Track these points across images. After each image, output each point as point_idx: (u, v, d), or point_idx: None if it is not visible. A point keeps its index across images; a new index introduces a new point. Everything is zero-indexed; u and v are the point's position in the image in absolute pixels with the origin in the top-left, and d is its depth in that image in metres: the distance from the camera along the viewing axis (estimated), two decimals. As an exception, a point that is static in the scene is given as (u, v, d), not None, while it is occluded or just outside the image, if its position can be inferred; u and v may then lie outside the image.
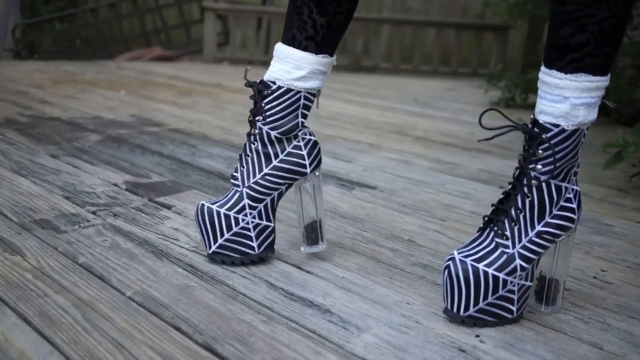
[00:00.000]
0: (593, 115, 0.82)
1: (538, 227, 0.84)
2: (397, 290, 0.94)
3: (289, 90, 0.94)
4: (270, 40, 5.34)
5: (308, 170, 0.98)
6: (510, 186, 0.86)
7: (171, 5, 6.25)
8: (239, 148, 1.82)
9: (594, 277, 1.04)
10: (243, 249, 0.97)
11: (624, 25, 0.79)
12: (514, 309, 0.84)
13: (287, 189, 0.98)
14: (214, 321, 0.81)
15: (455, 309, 0.83)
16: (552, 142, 0.81)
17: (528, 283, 0.84)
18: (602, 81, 0.80)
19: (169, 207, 1.25)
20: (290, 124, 0.96)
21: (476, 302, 0.82)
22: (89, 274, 0.93)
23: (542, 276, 0.89)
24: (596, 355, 0.79)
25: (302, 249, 1.01)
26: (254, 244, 0.97)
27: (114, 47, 5.71)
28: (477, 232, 0.87)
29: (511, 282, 0.82)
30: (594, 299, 0.95)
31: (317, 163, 0.99)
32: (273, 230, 0.98)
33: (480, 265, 0.82)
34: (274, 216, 0.98)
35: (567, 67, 0.79)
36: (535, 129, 0.82)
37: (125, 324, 0.79)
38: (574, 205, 0.86)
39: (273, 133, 0.95)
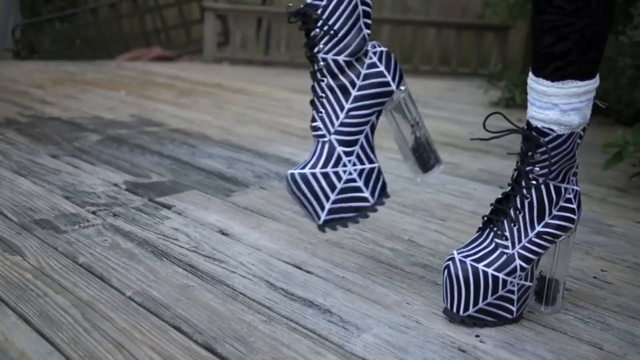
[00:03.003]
0: (586, 117, 0.82)
1: (538, 228, 0.84)
2: (397, 290, 0.94)
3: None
4: (270, 41, 5.34)
5: (394, 87, 0.86)
6: (509, 187, 0.86)
7: (171, 5, 6.25)
8: (239, 148, 1.82)
9: (594, 277, 1.04)
10: (356, 204, 0.85)
11: (607, 30, 0.79)
12: (514, 309, 0.84)
13: (377, 117, 0.87)
14: (214, 321, 0.81)
15: (455, 309, 0.83)
16: (549, 146, 0.81)
17: (528, 283, 0.84)
18: (591, 84, 0.80)
19: (169, 207, 1.25)
20: (357, 40, 0.83)
21: (476, 302, 0.82)
22: (89, 274, 0.93)
23: (542, 276, 0.89)
24: (596, 355, 0.79)
25: (418, 179, 0.90)
26: (366, 194, 0.85)
27: (114, 47, 5.72)
28: (477, 232, 0.87)
29: (511, 282, 0.82)
30: (594, 299, 0.95)
31: (400, 76, 0.87)
32: (380, 171, 0.87)
33: (480, 266, 0.82)
34: (374, 154, 0.86)
35: (553, 75, 0.79)
36: (534, 133, 0.82)
37: (125, 324, 0.79)
38: (574, 206, 0.86)
39: (340, 58, 0.83)
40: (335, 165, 0.83)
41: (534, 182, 0.83)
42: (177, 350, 0.74)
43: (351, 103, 0.83)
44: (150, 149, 1.75)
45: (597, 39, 0.78)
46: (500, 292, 0.82)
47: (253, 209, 1.27)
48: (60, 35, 6.39)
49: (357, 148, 0.84)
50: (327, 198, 0.83)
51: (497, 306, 0.83)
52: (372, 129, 0.86)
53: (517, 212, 0.84)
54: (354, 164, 0.83)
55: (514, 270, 0.82)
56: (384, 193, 0.86)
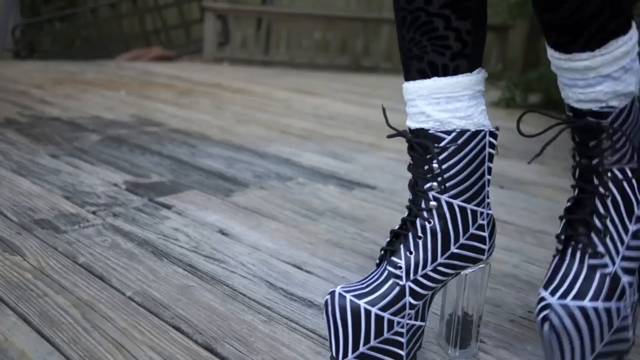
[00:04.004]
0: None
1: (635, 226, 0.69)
2: (397, 290, 0.94)
3: (475, 134, 0.68)
4: (270, 40, 5.34)
5: (484, 257, 0.72)
6: (576, 191, 0.71)
7: (171, 5, 6.26)
8: (239, 148, 1.82)
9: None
10: (388, 358, 0.70)
11: None
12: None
13: (452, 278, 0.73)
14: (214, 321, 0.81)
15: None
16: (613, 126, 0.67)
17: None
18: (635, 33, 0.66)
19: (169, 207, 1.25)
20: (478, 185, 0.70)
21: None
22: (89, 274, 0.93)
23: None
24: (596, 355, 0.79)
25: (449, 352, 0.76)
26: (403, 353, 0.70)
27: (114, 47, 5.72)
28: (556, 255, 0.71)
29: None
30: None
31: (493, 246, 0.74)
32: (423, 332, 0.73)
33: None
34: (428, 312, 0.73)
35: (591, 43, 0.64)
36: (590, 118, 0.67)
37: (125, 324, 0.79)
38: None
39: (456, 202, 0.69)
40: (396, 313, 0.69)
41: (610, 174, 0.68)
42: (177, 350, 0.74)
43: (445, 258, 0.70)
44: (150, 149, 1.75)
45: None
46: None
47: (253, 209, 1.27)
48: (60, 35, 6.39)
49: (420, 303, 0.70)
50: (367, 342, 0.69)
51: None
52: (442, 287, 0.73)
53: (603, 218, 0.68)
54: (410, 318, 0.70)
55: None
56: (414, 357, 0.73)
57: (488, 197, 0.72)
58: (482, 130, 0.68)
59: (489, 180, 0.71)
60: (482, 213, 0.71)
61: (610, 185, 0.68)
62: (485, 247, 0.72)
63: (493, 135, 0.70)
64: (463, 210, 0.69)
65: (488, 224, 0.72)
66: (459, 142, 0.67)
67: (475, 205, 0.70)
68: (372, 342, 0.69)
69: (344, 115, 2.55)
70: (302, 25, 5.02)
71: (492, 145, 0.70)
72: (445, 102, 0.67)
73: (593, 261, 0.67)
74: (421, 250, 0.69)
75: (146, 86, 3.09)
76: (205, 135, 1.98)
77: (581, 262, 0.67)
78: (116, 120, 2.15)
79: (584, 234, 0.68)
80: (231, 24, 5.03)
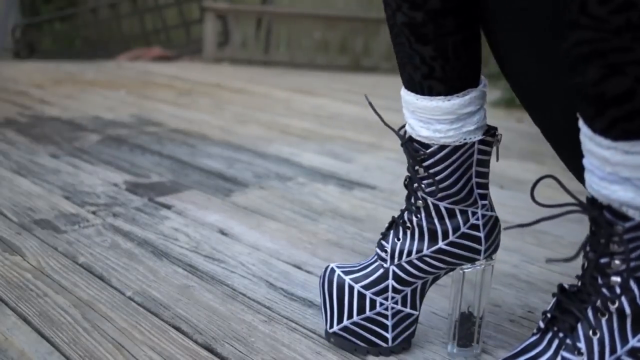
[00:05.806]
0: None
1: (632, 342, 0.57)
2: (397, 290, 0.94)
3: (457, 148, 0.68)
4: (270, 40, 5.34)
5: (481, 257, 0.73)
6: (579, 284, 0.60)
7: (171, 5, 6.25)
8: (238, 148, 1.82)
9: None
10: (372, 338, 0.74)
11: None
12: None
13: (446, 273, 0.74)
14: (214, 321, 0.82)
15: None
16: (625, 237, 0.55)
17: None
18: None
19: (168, 207, 1.25)
20: (466, 189, 0.70)
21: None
22: (89, 274, 0.93)
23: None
24: (596, 355, 0.79)
25: (448, 348, 0.77)
26: (389, 335, 0.74)
27: (114, 47, 5.71)
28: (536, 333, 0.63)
29: None
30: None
31: (494, 247, 0.74)
32: (415, 320, 0.75)
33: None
34: (421, 303, 0.75)
35: (612, 130, 0.50)
36: (607, 214, 0.55)
37: (125, 324, 0.79)
38: None
39: (442, 204, 0.70)
40: (378, 293, 0.72)
41: (620, 280, 0.56)
42: (177, 350, 0.74)
43: (431, 252, 0.71)
44: (150, 149, 1.75)
45: None
46: None
47: (253, 209, 1.27)
48: (60, 35, 6.39)
49: (408, 290, 0.73)
50: (350, 316, 0.73)
51: None
52: (435, 280, 0.74)
53: (600, 316, 0.58)
54: (396, 303, 0.73)
55: None
56: (406, 343, 0.76)
57: (485, 199, 0.72)
58: (466, 143, 0.68)
59: (479, 183, 0.71)
60: (474, 213, 0.71)
61: (619, 292, 0.56)
62: (482, 248, 0.73)
63: (485, 142, 0.69)
64: (451, 211, 0.71)
65: (485, 224, 0.72)
66: (441, 154, 0.68)
67: (465, 206, 0.71)
68: (355, 318, 0.74)
69: (344, 115, 2.55)
70: (302, 25, 5.02)
71: (483, 152, 0.70)
72: (427, 121, 0.68)
73: (567, 355, 0.58)
74: (408, 239, 0.72)
75: (146, 86, 3.09)
76: (205, 135, 1.98)
77: (555, 353, 0.59)
78: (116, 120, 2.15)
79: (570, 324, 0.59)
80: (231, 24, 5.03)
